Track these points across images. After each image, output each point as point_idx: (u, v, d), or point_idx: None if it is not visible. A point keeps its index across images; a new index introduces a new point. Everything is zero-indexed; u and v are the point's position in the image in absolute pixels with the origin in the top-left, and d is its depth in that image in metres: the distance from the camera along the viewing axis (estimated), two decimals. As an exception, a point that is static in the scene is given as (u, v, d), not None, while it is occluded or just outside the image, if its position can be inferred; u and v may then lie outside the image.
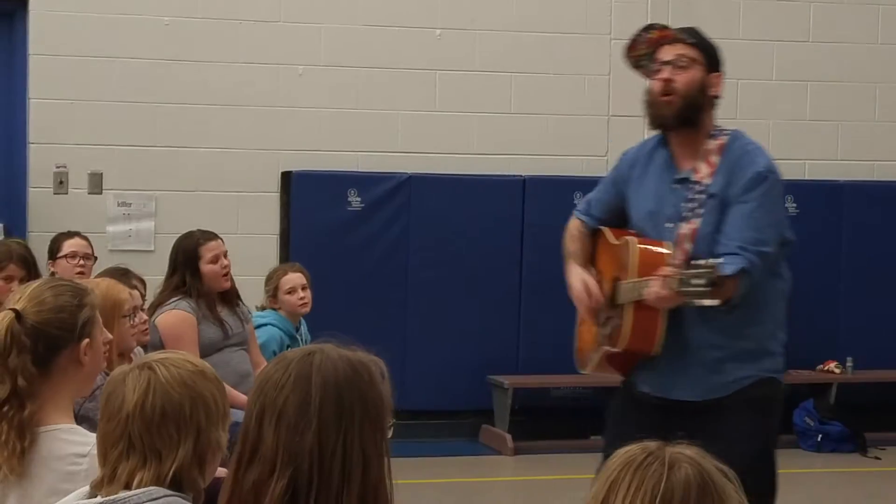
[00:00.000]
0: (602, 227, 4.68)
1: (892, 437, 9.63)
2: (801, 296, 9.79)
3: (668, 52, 4.49)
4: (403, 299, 9.36)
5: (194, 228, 6.73)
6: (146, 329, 5.54)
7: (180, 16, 9.12)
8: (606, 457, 4.07)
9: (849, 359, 9.76)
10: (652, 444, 2.09)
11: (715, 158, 4.41)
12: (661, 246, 4.41)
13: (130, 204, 9.04)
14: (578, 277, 4.60)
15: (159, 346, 6.03)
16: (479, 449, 9.33)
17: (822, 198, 9.91)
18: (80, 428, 3.16)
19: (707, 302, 4.10)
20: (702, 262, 4.10)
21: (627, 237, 4.50)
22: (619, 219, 4.65)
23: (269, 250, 9.11)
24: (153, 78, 9.06)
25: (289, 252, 9.12)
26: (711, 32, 9.97)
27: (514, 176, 9.52)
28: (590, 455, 8.97)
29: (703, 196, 4.38)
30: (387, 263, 9.32)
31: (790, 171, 9.82)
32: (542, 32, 9.61)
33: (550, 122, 9.63)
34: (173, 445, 2.57)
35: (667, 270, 4.20)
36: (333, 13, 9.33)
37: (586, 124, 9.64)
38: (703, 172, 4.41)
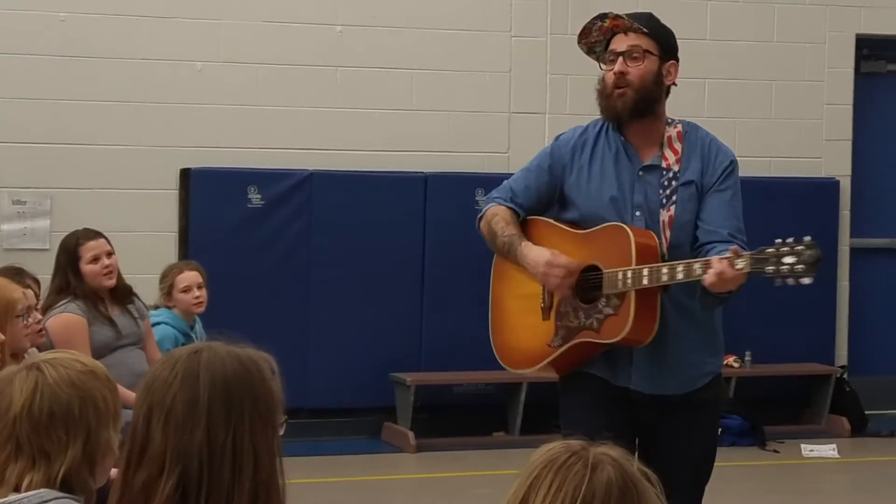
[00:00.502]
0: (540, 218, 4.48)
1: (790, 430, 9.76)
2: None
3: (621, 42, 4.38)
4: (305, 297, 9.31)
5: (91, 226, 6.64)
6: (41, 330, 5.45)
7: (76, 11, 9.00)
8: None
9: (747, 353, 9.88)
10: (576, 444, 2.07)
11: (678, 145, 4.38)
12: (648, 234, 4.30)
13: (25, 202, 8.91)
14: (543, 253, 4.33)
15: (50, 349, 5.93)
16: (381, 446, 9.31)
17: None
18: None
19: (805, 281, 4.16)
20: (792, 240, 4.18)
21: (614, 224, 4.32)
22: (544, 208, 4.50)
23: (168, 248, 9.02)
24: (49, 74, 8.93)
25: (188, 250, 9.03)
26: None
27: (415, 173, 9.51)
28: (492, 452, 9.04)
29: (676, 183, 4.34)
30: (288, 261, 9.27)
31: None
32: (442, 29, 9.62)
33: (451, 118, 9.64)
34: (62, 447, 2.52)
35: (734, 250, 4.12)
36: (232, 9, 9.26)
37: (487, 121, 9.66)
38: (670, 160, 4.37)
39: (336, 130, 9.45)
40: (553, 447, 2.07)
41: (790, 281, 4.15)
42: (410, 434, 9.12)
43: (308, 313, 9.30)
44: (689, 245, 4.31)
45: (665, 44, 4.42)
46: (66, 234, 7.06)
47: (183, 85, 9.18)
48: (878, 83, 10.68)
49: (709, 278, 4.07)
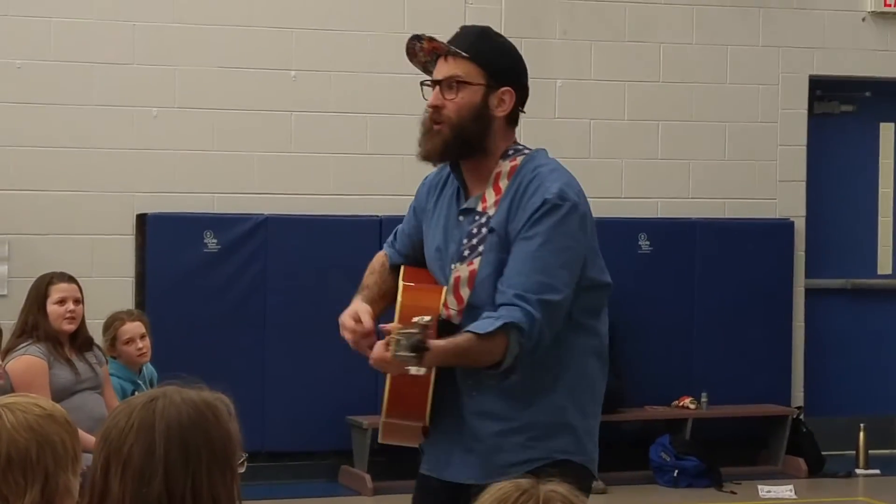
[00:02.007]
0: (404, 266, 3.92)
1: (746, 471, 9.78)
2: (656, 332, 9.97)
3: (439, 69, 3.76)
4: (261, 341, 9.29)
5: (48, 272, 6.64)
6: (1, 374, 5.44)
7: (32, 59, 9.00)
8: None
9: (703, 394, 9.90)
10: (524, 482, 2.10)
11: (504, 183, 3.69)
12: (435, 292, 3.67)
13: (-19, 248, 8.86)
14: (351, 308, 3.82)
15: (10, 392, 5.91)
16: (338, 490, 9.28)
17: (674, 236, 10.08)
18: None
19: (413, 370, 3.36)
20: (416, 319, 3.37)
21: (404, 281, 3.78)
22: (421, 251, 3.93)
23: (125, 293, 8.99)
24: (6, 120, 8.92)
25: (145, 294, 9.01)
26: (563, 73, 10.16)
27: (370, 216, 9.53)
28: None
29: (485, 230, 3.67)
30: (245, 305, 9.26)
31: (643, 209, 10.05)
32: (395, 73, 9.64)
33: (406, 162, 9.65)
34: (20, 492, 2.52)
35: (389, 327, 3.47)
36: (187, 55, 9.27)
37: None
38: (489, 201, 3.68)
39: (291, 175, 9.46)
40: (502, 486, 2.10)
41: (409, 369, 3.39)
42: (367, 477, 9.10)
43: (265, 357, 9.28)
44: (493, 305, 3.60)
45: (495, 69, 3.71)
46: (23, 279, 7.07)
47: (139, 130, 9.18)
48: (832, 124, 10.77)
49: (370, 360, 3.55)
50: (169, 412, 2.21)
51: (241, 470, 2.26)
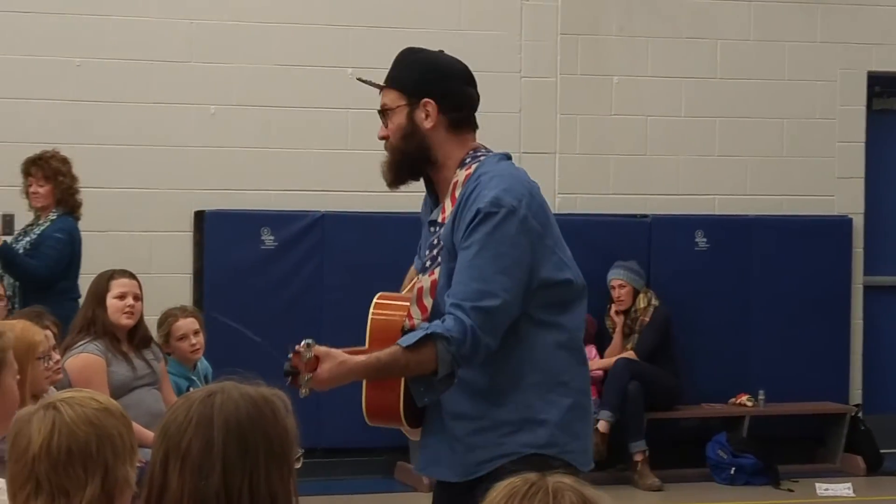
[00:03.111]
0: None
1: (804, 469, 9.73)
2: (713, 330, 9.93)
3: (380, 101, 3.95)
4: (318, 337, 9.27)
5: (106, 269, 6.71)
6: (59, 369, 5.49)
7: (92, 57, 9.08)
8: None
9: (760, 392, 9.85)
10: (532, 476, 2.12)
11: (458, 192, 3.78)
12: (403, 306, 3.81)
13: (42, 245, 8.94)
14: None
15: (69, 388, 5.97)
16: (394, 486, 9.31)
17: (731, 233, 10.03)
18: None
19: (303, 392, 3.56)
20: (308, 341, 3.58)
21: (376, 299, 3.96)
22: None
23: (183, 290, 9.05)
24: (64, 119, 9.00)
25: (202, 291, 9.07)
26: (620, 70, 10.11)
27: (428, 213, 9.53)
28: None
29: (441, 241, 3.78)
30: (301, 301, 9.30)
31: (700, 206, 10.01)
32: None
33: (463, 159, 9.67)
34: (80, 484, 2.55)
35: (300, 346, 3.62)
36: (244, 53, 9.33)
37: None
38: (447, 211, 3.79)
39: (347, 172, 9.49)
40: (511, 481, 2.12)
41: (301, 391, 3.56)
42: (424, 474, 9.11)
43: (321, 354, 9.30)
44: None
45: (409, 87, 3.85)
46: (82, 276, 7.14)
47: (197, 128, 9.25)
48: (891, 120, 10.69)
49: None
50: (227, 407, 2.23)
51: (298, 466, 2.27)
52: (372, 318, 3.82)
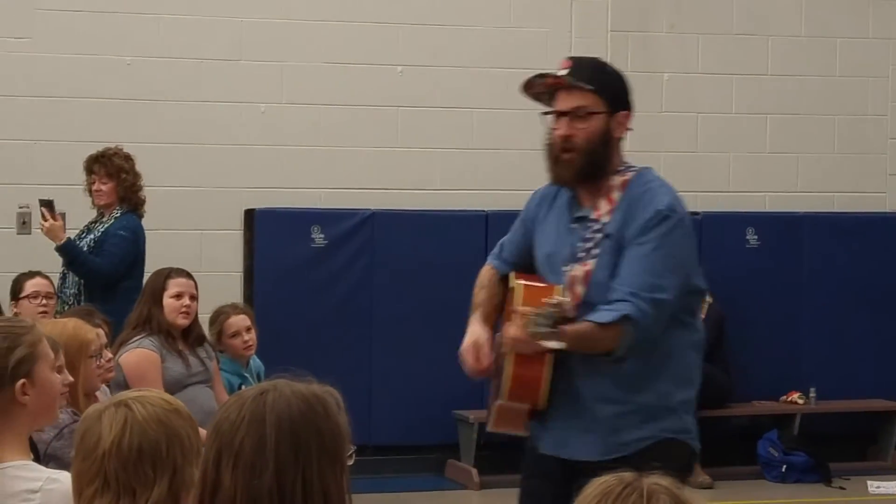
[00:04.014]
0: (512, 272, 4.31)
1: (855, 466, 9.66)
2: (763, 327, 9.88)
3: (564, 101, 4.17)
4: (368, 335, 9.35)
5: (159, 267, 6.75)
6: (111, 367, 5.53)
7: (142, 55, 9.13)
8: None
9: (812, 389, 9.80)
10: (628, 476, 2.11)
11: (616, 195, 4.12)
12: (551, 290, 4.05)
13: (94, 243, 8.99)
14: (471, 336, 4.27)
15: (124, 384, 6.00)
16: (445, 484, 9.31)
17: (782, 229, 9.98)
18: (33, 464, 3.15)
19: (553, 344, 3.80)
20: (554, 300, 3.84)
21: (518, 280, 4.19)
22: (530, 258, 4.34)
23: (233, 288, 9.09)
24: (115, 117, 9.05)
25: (253, 290, 9.11)
26: (671, 67, 10.08)
27: (476, 211, 9.54)
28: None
29: (599, 235, 4.09)
30: (351, 299, 9.32)
31: (751, 203, 9.96)
32: (502, 68, 9.65)
33: (512, 156, 9.66)
34: (149, 483, 2.56)
35: (523, 309, 3.90)
36: (294, 51, 9.36)
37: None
38: (602, 210, 4.11)
39: (397, 170, 9.51)
40: (606, 480, 2.11)
41: (549, 345, 3.83)
42: (474, 471, 9.12)
43: (371, 351, 9.34)
44: (605, 301, 4.03)
45: (612, 96, 4.17)
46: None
47: (247, 126, 9.28)
48: (942, 116, 10.60)
49: (504, 340, 3.99)
50: (279, 405, 2.23)
51: (350, 463, 2.27)
52: (523, 297, 4.06)
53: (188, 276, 6.61)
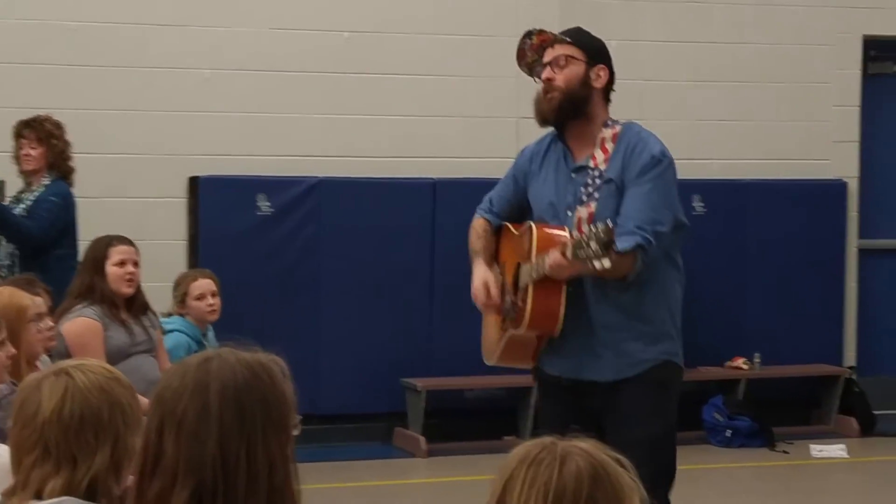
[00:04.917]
0: (505, 223, 4.92)
1: (799, 430, 9.77)
2: (708, 293, 9.93)
3: (549, 55, 4.76)
4: (316, 303, 9.33)
5: (99, 235, 6.68)
6: (52, 336, 5.49)
7: (86, 21, 9.03)
8: None
9: (756, 354, 9.88)
10: (546, 439, 2.13)
11: (610, 146, 4.67)
12: (561, 229, 4.61)
13: (36, 211, 8.91)
14: (480, 276, 4.84)
15: (65, 354, 5.94)
16: (392, 452, 9.33)
17: (728, 196, 10.03)
18: None
19: (604, 262, 4.20)
20: (598, 225, 4.26)
21: (530, 223, 4.72)
22: (519, 213, 4.91)
23: (177, 256, 9.04)
24: (59, 83, 8.96)
25: (198, 258, 9.05)
26: (619, 34, 10.14)
27: (424, 179, 9.53)
28: (503, 456, 9.03)
29: (600, 181, 4.63)
30: (298, 268, 9.29)
31: (698, 170, 9.99)
32: (449, 34, 9.64)
33: (460, 124, 9.65)
34: (90, 452, 2.54)
35: (564, 238, 4.43)
36: (239, 17, 9.28)
37: (495, 126, 9.67)
38: (598, 159, 4.66)
39: (344, 137, 9.47)
40: (525, 445, 2.14)
41: (595, 264, 4.25)
42: (422, 439, 9.14)
43: (318, 320, 9.32)
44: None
45: (591, 50, 4.77)
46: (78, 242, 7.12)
47: (191, 93, 9.21)
48: (886, 84, 10.68)
49: (545, 268, 4.46)
50: (224, 373, 2.20)
51: (296, 432, 2.25)
52: (538, 237, 4.60)
53: (130, 242, 6.55)
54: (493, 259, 4.94)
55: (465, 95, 9.68)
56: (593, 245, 4.21)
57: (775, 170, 10.23)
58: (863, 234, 10.47)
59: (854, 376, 10.12)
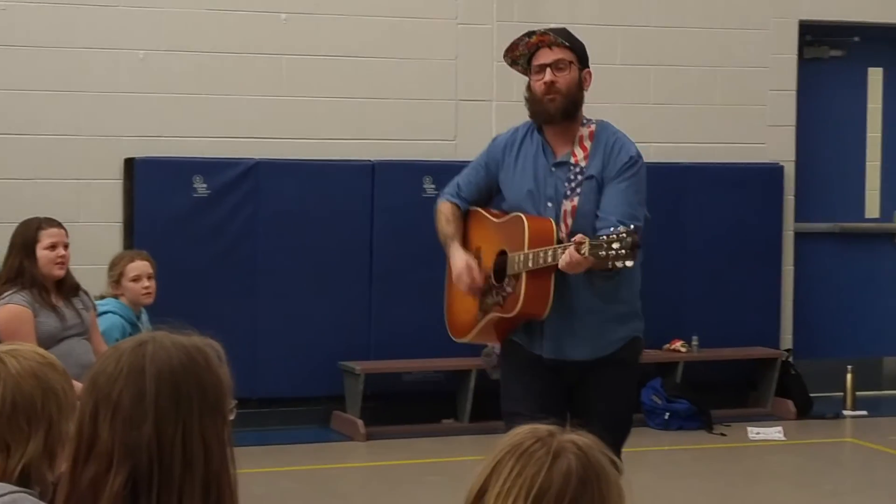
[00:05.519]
0: (476, 208, 5.23)
1: (736, 413, 9.83)
2: (646, 277, 9.90)
3: (547, 55, 5.06)
4: (253, 286, 9.28)
5: (33, 217, 6.59)
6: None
7: (16, 0, 8.91)
8: (507, 417, 5.09)
9: (694, 338, 9.93)
10: (543, 430, 2.05)
11: (588, 143, 5.02)
12: (548, 221, 4.95)
13: (-34, 193, 8.81)
14: (462, 259, 5.11)
15: (-3, 339, 5.87)
16: (330, 435, 9.30)
17: (665, 180, 10.05)
18: None
19: (627, 263, 4.61)
20: (616, 229, 4.66)
21: (517, 214, 5.02)
22: (486, 199, 5.24)
23: (113, 238, 8.95)
24: (-10, 64, 8.84)
25: (133, 240, 8.96)
26: (557, 18, 10.14)
27: (363, 161, 9.49)
28: (441, 439, 9.06)
29: (581, 177, 4.98)
30: (235, 250, 9.23)
31: (635, 153, 10.00)
32: (388, 17, 9.60)
33: (399, 106, 9.62)
34: (23, 438, 2.50)
35: (578, 238, 4.72)
36: (176, -3, 9.19)
37: (435, 109, 9.64)
38: (578, 156, 5.00)
39: (282, 119, 9.41)
40: (520, 432, 2.05)
41: (618, 263, 4.62)
42: (360, 422, 9.12)
43: (256, 303, 9.27)
44: (592, 232, 4.87)
45: (582, 55, 5.11)
46: (6, 225, 7.00)
47: (126, 73, 9.12)
48: (821, 69, 10.75)
49: (561, 263, 4.76)
50: (159, 357, 2.17)
51: (232, 417, 2.22)
52: (529, 228, 4.92)
53: (59, 225, 6.46)
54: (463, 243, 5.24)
55: (405, 78, 9.64)
56: (616, 246, 4.59)
57: (712, 154, 10.27)
58: (799, 217, 10.54)
59: (791, 359, 10.19)
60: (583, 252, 4.66)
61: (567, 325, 5.00)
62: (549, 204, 5.00)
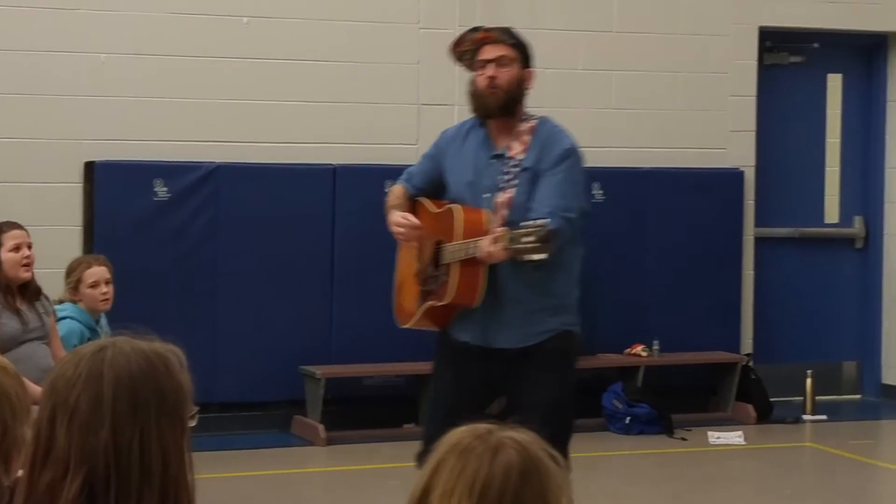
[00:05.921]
0: (421, 198, 5.38)
1: (697, 417, 9.86)
2: (608, 281, 9.99)
3: (491, 52, 5.22)
4: (213, 290, 9.24)
5: (-7, 221, 6.56)
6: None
7: (-23, 2, 8.85)
8: (433, 405, 5.34)
9: (655, 342, 9.95)
10: (482, 428, 2.08)
11: (527, 138, 5.16)
12: (481, 212, 5.10)
13: (-75, 196, 8.74)
14: (396, 213, 5.28)
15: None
16: (291, 440, 9.27)
17: (626, 185, 10.09)
18: None
19: (537, 256, 4.71)
20: (531, 222, 4.76)
21: (450, 205, 5.18)
22: (435, 189, 5.37)
23: (72, 242, 8.90)
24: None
25: (93, 244, 8.92)
26: (518, 23, 10.16)
27: (324, 165, 9.48)
28: (403, 444, 9.04)
29: (517, 169, 5.11)
30: (195, 254, 9.19)
31: (596, 158, 9.97)
32: (350, 21, 9.58)
33: (360, 110, 9.60)
34: None
35: (497, 231, 4.87)
36: (137, 0, 9.15)
37: (396, 113, 9.64)
38: (516, 150, 5.15)
39: (243, 122, 9.38)
40: (460, 431, 2.08)
41: (529, 256, 4.73)
42: (320, 427, 9.09)
43: (216, 307, 9.23)
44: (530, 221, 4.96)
45: (524, 55, 5.26)
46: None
47: (86, 76, 9.07)
48: (781, 74, 10.81)
49: (479, 253, 4.93)
50: (118, 362, 2.16)
51: (192, 424, 2.21)
52: (463, 218, 5.09)
53: (20, 227, 6.44)
54: None
55: (366, 81, 9.63)
56: (528, 239, 4.69)
57: (673, 158, 10.31)
58: (759, 222, 10.59)
59: (751, 363, 10.23)
60: (499, 244, 4.81)
61: (495, 313, 5.12)
62: (487, 195, 5.14)
